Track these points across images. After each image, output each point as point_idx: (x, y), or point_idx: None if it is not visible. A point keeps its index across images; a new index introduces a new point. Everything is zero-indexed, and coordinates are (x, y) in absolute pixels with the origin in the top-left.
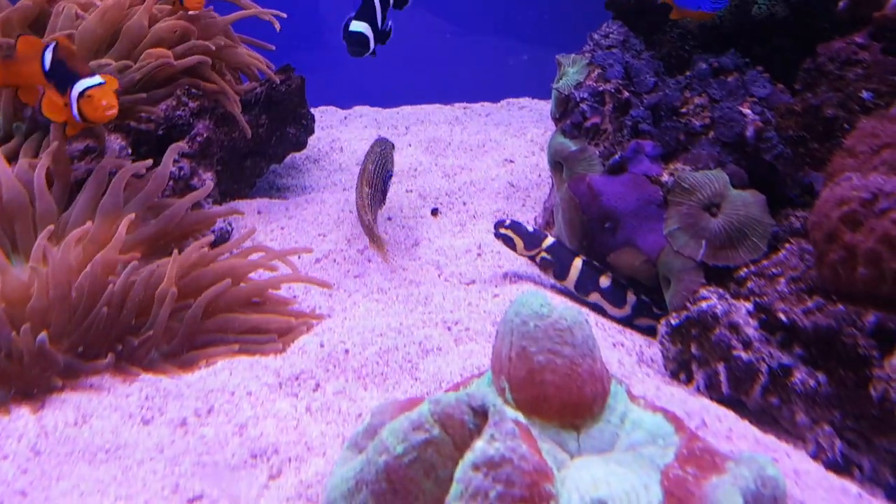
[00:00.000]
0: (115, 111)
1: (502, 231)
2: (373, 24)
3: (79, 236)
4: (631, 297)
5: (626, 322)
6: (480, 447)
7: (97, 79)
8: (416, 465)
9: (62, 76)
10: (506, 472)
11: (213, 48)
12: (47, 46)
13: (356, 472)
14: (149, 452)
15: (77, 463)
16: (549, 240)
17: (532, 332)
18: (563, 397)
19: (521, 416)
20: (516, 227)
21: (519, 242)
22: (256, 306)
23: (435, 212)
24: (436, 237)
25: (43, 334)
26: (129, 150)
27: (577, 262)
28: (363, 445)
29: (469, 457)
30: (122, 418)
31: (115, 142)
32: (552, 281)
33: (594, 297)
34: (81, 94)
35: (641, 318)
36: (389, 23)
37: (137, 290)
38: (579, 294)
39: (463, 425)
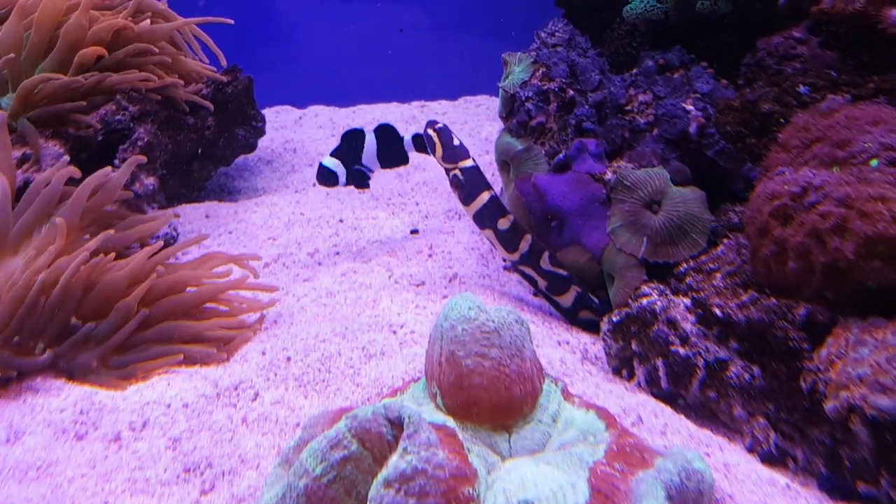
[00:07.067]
0: None
1: (429, 131)
2: (346, 162)
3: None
4: (523, 247)
5: (513, 267)
6: (393, 462)
7: None
8: (335, 485)
9: None
10: (418, 484)
11: (156, 49)
12: None
13: (278, 498)
14: (80, 469)
15: (6, 482)
16: (469, 162)
17: (460, 337)
18: (491, 399)
19: (450, 421)
20: (443, 133)
21: (439, 150)
22: (201, 313)
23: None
24: (387, 238)
25: None
26: (68, 157)
27: (485, 195)
28: (294, 460)
29: (382, 474)
30: (56, 434)
31: (52, 148)
32: (503, 265)
33: (488, 233)
34: None
35: (526, 266)
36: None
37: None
38: (477, 225)
39: (381, 438)
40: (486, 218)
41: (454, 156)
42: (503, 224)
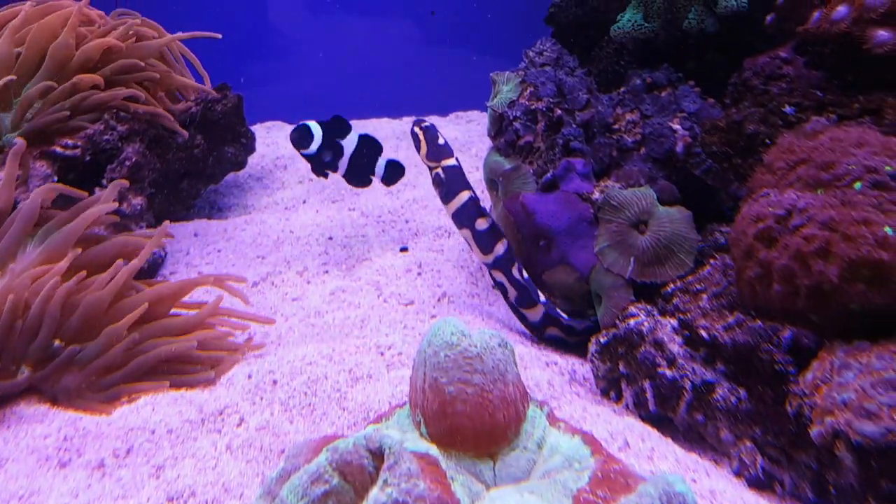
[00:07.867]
0: None
1: (416, 129)
2: (328, 135)
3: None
4: (499, 249)
5: (488, 270)
6: (373, 495)
7: None
8: None
9: None
10: None
11: (143, 65)
12: None
13: None
14: (63, 498)
15: None
16: (452, 161)
17: (443, 363)
18: (475, 426)
19: (434, 449)
20: (429, 132)
21: (423, 147)
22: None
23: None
24: (377, 256)
25: None
26: (55, 178)
27: (465, 195)
28: (276, 492)
29: None
30: (39, 461)
31: (40, 169)
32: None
33: (465, 232)
34: None
35: (497, 272)
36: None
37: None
38: (455, 224)
39: (362, 470)
40: (464, 217)
41: (437, 154)
42: (481, 224)
